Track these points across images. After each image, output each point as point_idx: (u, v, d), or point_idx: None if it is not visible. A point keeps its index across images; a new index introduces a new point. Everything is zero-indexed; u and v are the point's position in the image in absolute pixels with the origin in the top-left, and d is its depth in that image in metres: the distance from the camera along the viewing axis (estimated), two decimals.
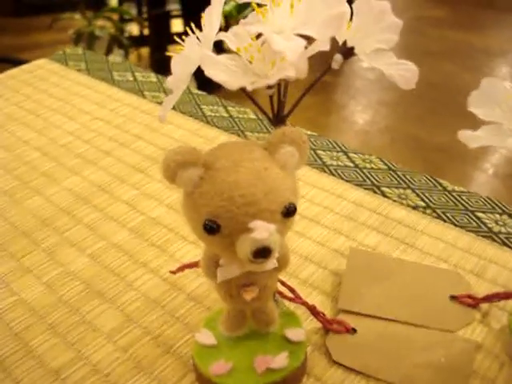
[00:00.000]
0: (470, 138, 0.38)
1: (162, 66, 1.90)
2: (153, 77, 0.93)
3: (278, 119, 0.42)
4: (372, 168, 0.67)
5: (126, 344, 0.48)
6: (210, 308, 0.50)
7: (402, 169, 0.66)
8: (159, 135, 0.76)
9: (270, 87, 0.38)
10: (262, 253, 0.34)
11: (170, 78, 0.38)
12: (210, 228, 0.35)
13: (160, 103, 0.84)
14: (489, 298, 0.50)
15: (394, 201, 0.62)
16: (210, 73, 0.35)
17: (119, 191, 0.66)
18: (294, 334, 0.45)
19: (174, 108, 0.81)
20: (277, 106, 0.41)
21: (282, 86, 0.40)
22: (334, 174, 0.66)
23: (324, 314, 0.49)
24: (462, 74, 1.82)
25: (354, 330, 0.48)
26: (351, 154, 0.69)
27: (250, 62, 0.37)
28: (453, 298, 0.50)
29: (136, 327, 0.50)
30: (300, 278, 0.53)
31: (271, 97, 0.40)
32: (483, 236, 0.57)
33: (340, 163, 0.67)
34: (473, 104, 0.41)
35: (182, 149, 0.36)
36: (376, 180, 0.64)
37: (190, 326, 0.49)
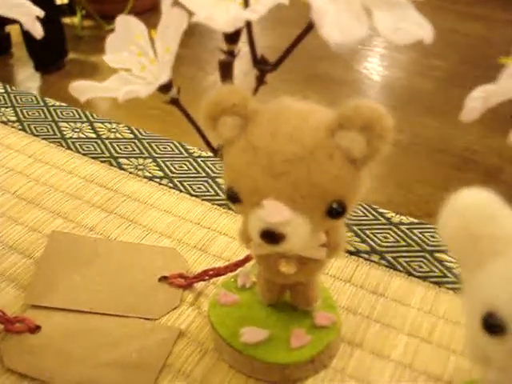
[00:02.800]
0: (80, 89, 0.31)
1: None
2: None
3: None
4: (116, 138, 0.59)
5: None
6: None
7: (151, 136, 0.59)
8: None
9: None
10: None
11: None
12: None
13: None
14: (200, 277, 0.43)
15: (130, 173, 0.54)
16: None
17: None
18: None
19: None
20: None
21: None
22: (71, 148, 0.57)
23: (4, 313, 0.40)
24: (312, 39, 1.77)
25: (37, 328, 0.40)
26: (97, 124, 0.61)
27: None
28: (163, 279, 0.44)
29: None
30: None
31: None
32: (219, 204, 0.51)
33: (81, 135, 0.59)
34: (108, 50, 0.33)
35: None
36: (116, 151, 0.57)
37: None
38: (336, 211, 0.29)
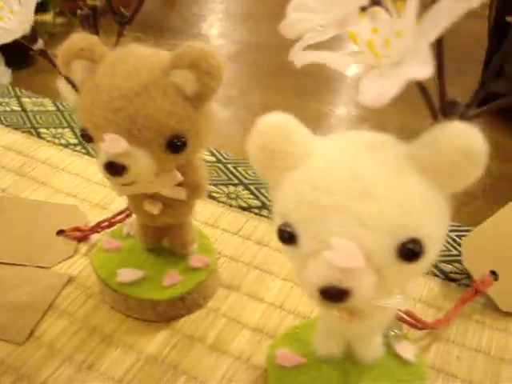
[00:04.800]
0: None
1: None
2: None
3: None
4: (39, 111, 0.62)
5: None
6: None
7: (72, 108, 0.62)
8: None
9: None
10: None
11: None
12: None
13: None
14: (94, 229, 0.46)
15: (48, 141, 0.57)
16: None
17: None
18: None
19: None
20: None
21: None
22: None
23: None
24: (278, 32, 1.80)
25: None
26: (24, 99, 0.64)
27: None
28: (61, 232, 0.46)
29: None
30: None
31: None
32: None
33: (7, 108, 0.62)
34: None
35: None
36: (37, 122, 0.60)
37: None
38: (175, 145, 0.32)
